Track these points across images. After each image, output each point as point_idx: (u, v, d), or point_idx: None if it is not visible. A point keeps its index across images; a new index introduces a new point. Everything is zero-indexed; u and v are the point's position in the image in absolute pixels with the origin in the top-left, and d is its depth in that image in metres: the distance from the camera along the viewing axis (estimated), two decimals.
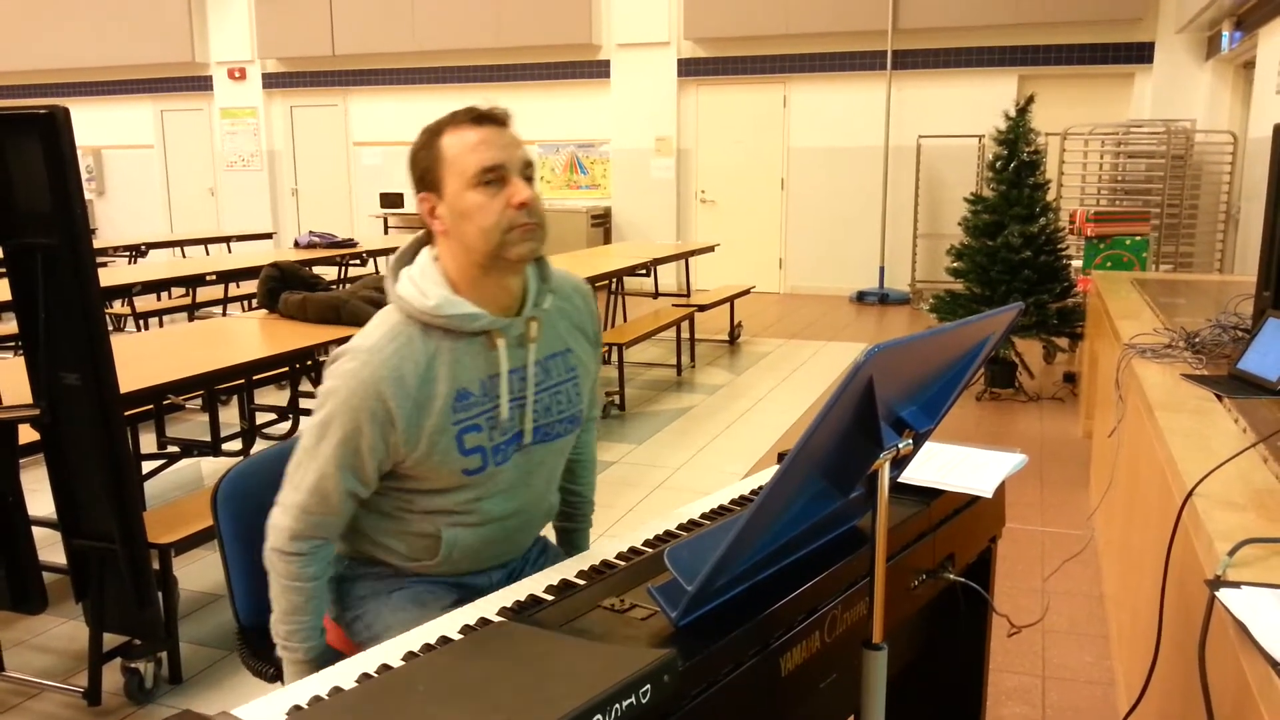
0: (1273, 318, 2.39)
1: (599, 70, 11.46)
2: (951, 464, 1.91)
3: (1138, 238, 6.20)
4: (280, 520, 1.67)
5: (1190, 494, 1.62)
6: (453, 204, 1.61)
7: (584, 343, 1.84)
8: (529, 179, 1.64)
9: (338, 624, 1.86)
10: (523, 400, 1.71)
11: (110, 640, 2.75)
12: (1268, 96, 7.02)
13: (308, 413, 5.35)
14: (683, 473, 4.81)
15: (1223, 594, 1.27)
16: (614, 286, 7.88)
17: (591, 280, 6.29)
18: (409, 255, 1.74)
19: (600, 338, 1.90)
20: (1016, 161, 6.22)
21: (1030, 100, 6.33)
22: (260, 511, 1.88)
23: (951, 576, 1.83)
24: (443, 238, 1.66)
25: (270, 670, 1.90)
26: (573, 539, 2.06)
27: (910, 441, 1.35)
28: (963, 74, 10.23)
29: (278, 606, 1.69)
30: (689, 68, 11.15)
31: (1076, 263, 6.50)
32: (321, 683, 1.24)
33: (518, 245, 1.61)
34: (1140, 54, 9.63)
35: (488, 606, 1.47)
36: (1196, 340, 2.84)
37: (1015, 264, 6.13)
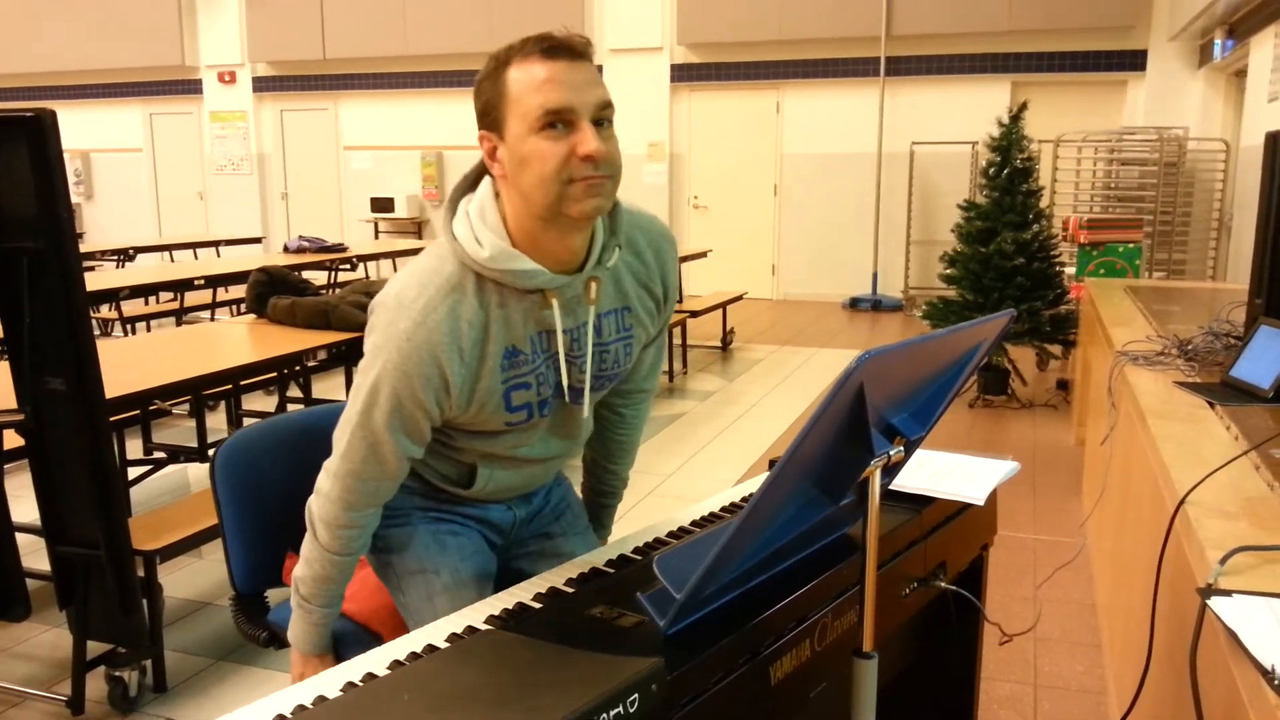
0: (1265, 325, 2.39)
1: None
2: (943, 471, 1.90)
3: (1130, 245, 6.22)
4: (330, 490, 1.60)
5: (1182, 502, 1.62)
6: (513, 148, 1.45)
7: (647, 301, 1.70)
8: (605, 122, 1.46)
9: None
10: (577, 358, 1.62)
11: (94, 648, 2.72)
12: (1259, 104, 7.05)
13: None
14: (674, 479, 4.80)
15: (1214, 602, 1.26)
16: None
17: None
18: (470, 182, 1.59)
19: (673, 298, 1.77)
20: (1010, 168, 6.23)
21: (1023, 107, 6.35)
22: (258, 479, 1.92)
23: (943, 584, 1.82)
24: (502, 182, 1.51)
25: (263, 635, 1.92)
26: (600, 516, 2.06)
27: (901, 449, 1.34)
28: (956, 81, 10.25)
29: (309, 569, 1.67)
30: (682, 73, 11.16)
31: (1069, 270, 6.51)
32: (306, 691, 1.23)
33: (580, 201, 1.45)
34: (1133, 62, 9.66)
35: (475, 614, 1.45)
36: (1189, 348, 2.84)
37: (1008, 271, 6.14)
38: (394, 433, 1.55)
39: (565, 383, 1.61)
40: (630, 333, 1.69)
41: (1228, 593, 1.29)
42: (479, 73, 1.50)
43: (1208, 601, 1.27)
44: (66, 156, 2.39)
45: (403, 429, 1.55)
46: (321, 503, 1.63)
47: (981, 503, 1.81)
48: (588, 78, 1.44)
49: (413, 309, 1.48)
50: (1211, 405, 2.26)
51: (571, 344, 1.60)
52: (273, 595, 2.01)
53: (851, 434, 1.23)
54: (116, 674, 2.75)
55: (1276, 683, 1.07)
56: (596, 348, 1.63)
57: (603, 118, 1.46)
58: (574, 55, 1.44)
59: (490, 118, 1.48)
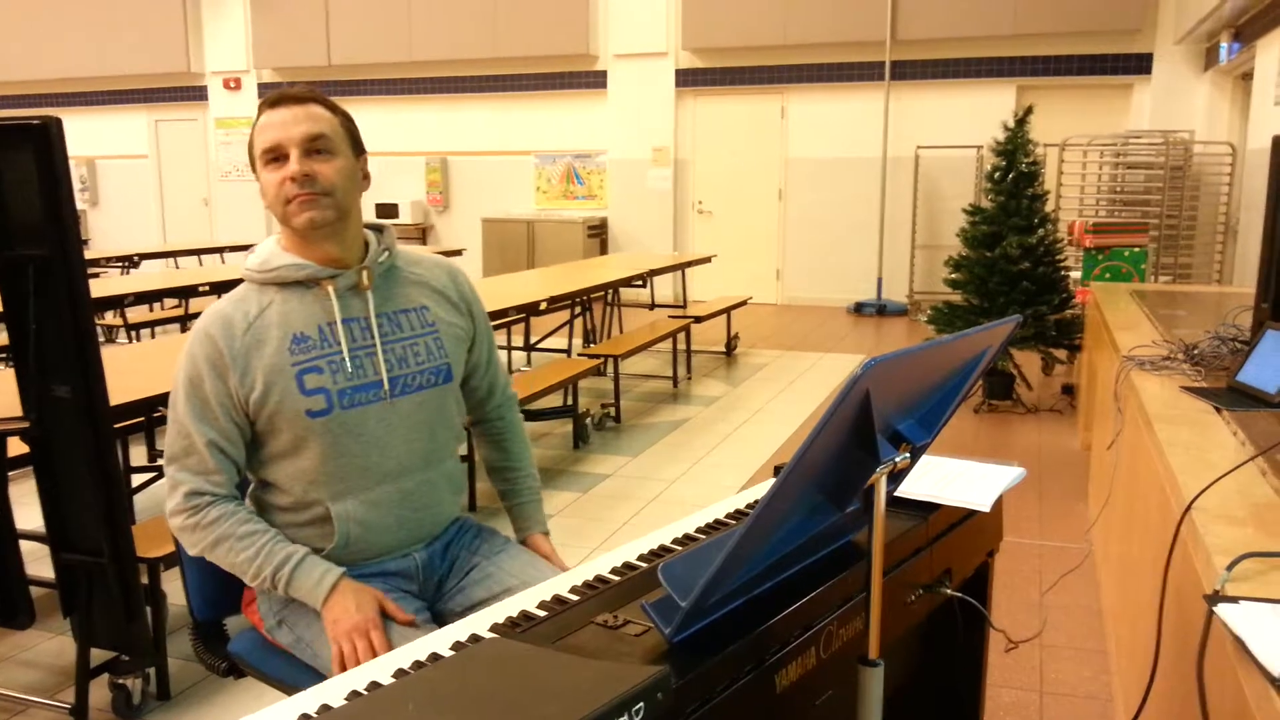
0: (1271, 330, 2.38)
1: (596, 80, 11.48)
2: (949, 477, 1.89)
3: (1136, 249, 6.20)
4: (168, 487, 1.76)
5: (1189, 507, 1.61)
6: (259, 181, 1.76)
7: (444, 304, 1.92)
8: (317, 152, 1.73)
9: (269, 635, 1.87)
10: (371, 348, 1.79)
11: (98, 655, 2.72)
12: (1266, 108, 7.04)
13: None
14: (678, 485, 4.79)
15: (1221, 609, 1.26)
16: (610, 298, 7.87)
17: (587, 292, 6.28)
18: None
19: (477, 310, 2.00)
20: (1015, 172, 6.22)
21: (1029, 111, 6.34)
22: None
23: (949, 591, 1.81)
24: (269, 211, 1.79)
25: (223, 665, 1.93)
26: (524, 513, 2.09)
27: (907, 455, 1.34)
28: (961, 85, 10.25)
29: (238, 571, 1.75)
30: (686, 78, 11.17)
31: (1075, 274, 6.49)
32: (310, 700, 1.22)
33: (298, 214, 1.72)
34: (1139, 65, 9.65)
35: (480, 622, 1.45)
36: (1195, 352, 2.83)
37: (1013, 275, 6.13)
38: (193, 419, 1.72)
39: (346, 358, 1.76)
40: (434, 328, 1.88)
41: (1235, 599, 1.28)
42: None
43: (1214, 608, 1.26)
44: (72, 163, 2.40)
45: (199, 414, 1.72)
46: (171, 515, 1.76)
47: (987, 509, 1.80)
48: (300, 117, 1.73)
49: (201, 315, 1.77)
50: (1218, 410, 2.25)
51: (361, 333, 1.79)
52: (231, 625, 2.00)
53: (857, 441, 1.22)
54: (120, 681, 2.75)
55: None
56: (400, 341, 1.82)
57: (314, 149, 1.73)
58: (291, 102, 1.74)
59: (252, 166, 1.78)
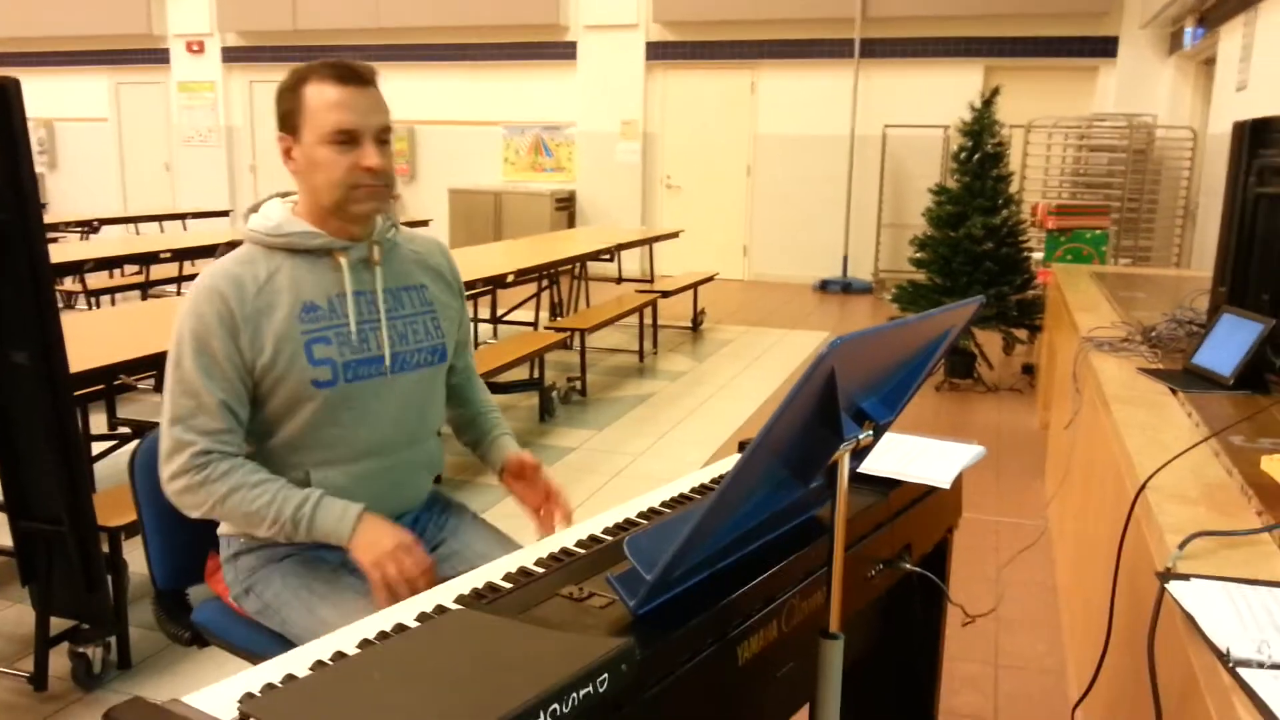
0: (1227, 313, 2.43)
1: (566, 52, 11.39)
2: (911, 455, 1.92)
3: (1098, 231, 6.28)
4: (164, 446, 1.70)
5: (1143, 487, 1.64)
6: (307, 152, 1.72)
7: (440, 283, 1.94)
8: (384, 143, 1.75)
9: (235, 603, 1.86)
10: (375, 323, 1.80)
11: (57, 624, 2.70)
12: (1228, 93, 7.13)
13: None
14: (644, 459, 4.81)
15: (1172, 586, 1.29)
16: (577, 271, 7.86)
17: (554, 265, 6.26)
18: (257, 205, 1.84)
19: (461, 289, 2.02)
20: (981, 153, 6.27)
21: (995, 92, 6.38)
22: None
23: (908, 566, 1.84)
24: (295, 177, 1.77)
25: (186, 635, 1.92)
26: (495, 446, 2.04)
27: (870, 433, 1.36)
28: (929, 64, 10.28)
29: (251, 521, 1.70)
30: (657, 51, 11.12)
31: (1037, 255, 6.56)
32: (274, 669, 1.23)
33: (362, 203, 1.74)
34: (1104, 48, 9.73)
35: (445, 593, 1.46)
36: (1153, 334, 2.88)
37: (977, 255, 6.19)
38: (205, 378, 1.68)
39: (353, 329, 1.76)
40: (431, 308, 1.90)
41: (1186, 577, 1.32)
42: (281, 82, 1.77)
43: (1166, 585, 1.30)
44: (30, 125, 2.35)
45: (209, 371, 1.68)
46: (163, 468, 1.70)
47: (947, 486, 1.83)
48: (373, 104, 1.74)
49: (202, 274, 1.73)
50: (1174, 392, 2.30)
51: (367, 308, 1.79)
52: (194, 593, 1.98)
53: (822, 418, 1.24)
54: (80, 650, 2.73)
55: (1231, 664, 1.10)
56: (402, 318, 1.83)
57: (383, 139, 1.75)
58: (362, 82, 1.74)
59: (288, 123, 1.75)
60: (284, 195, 1.85)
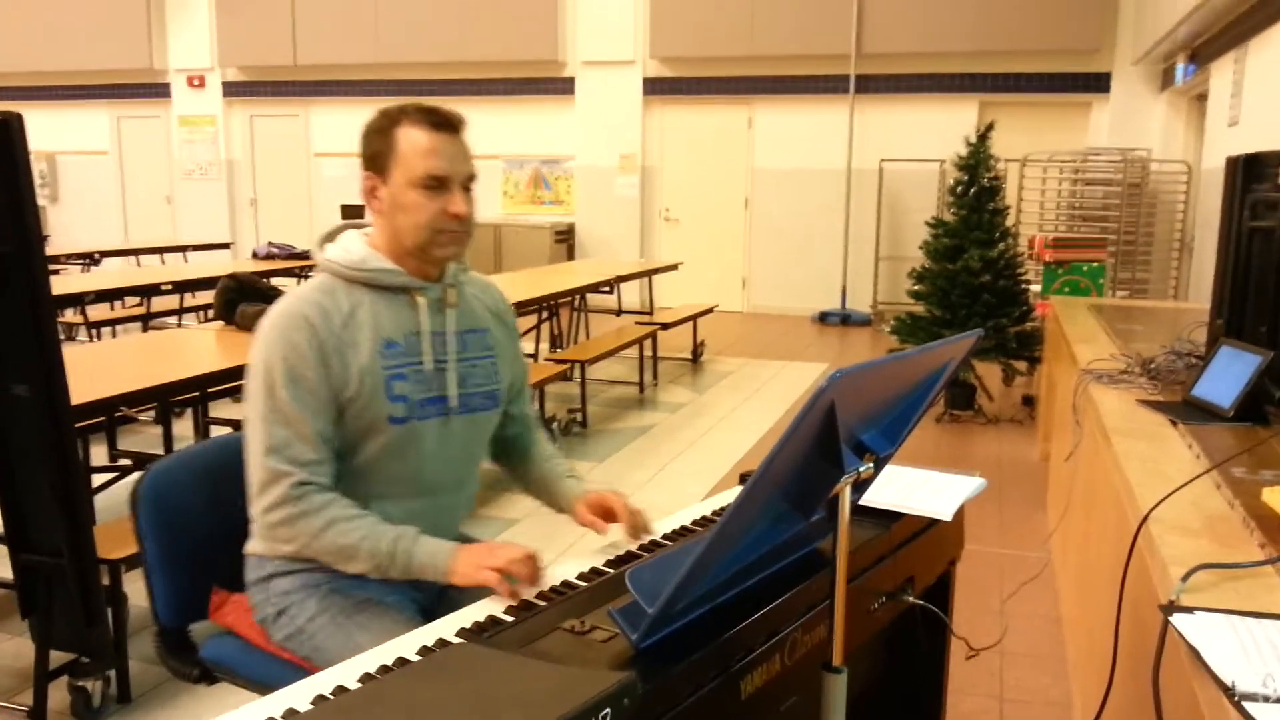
0: (1225, 345, 2.44)
1: (564, 87, 11.48)
2: (912, 487, 1.92)
3: (1095, 264, 6.31)
4: (259, 477, 1.69)
5: (1145, 519, 1.64)
6: (394, 193, 1.75)
7: (501, 328, 1.97)
8: (468, 190, 1.79)
9: (261, 625, 1.84)
10: (445, 363, 1.82)
11: (57, 658, 2.68)
12: (1220, 128, 7.18)
13: None
14: (644, 491, 4.80)
15: (1176, 619, 1.29)
16: (577, 303, 7.87)
17: (554, 297, 6.28)
18: (333, 235, 1.87)
19: (517, 333, 2.04)
20: (977, 187, 6.31)
21: (990, 127, 6.43)
22: (183, 510, 1.89)
23: (911, 599, 1.84)
24: (378, 215, 1.80)
25: (195, 672, 1.89)
26: (564, 489, 2.01)
27: (871, 465, 1.36)
28: (925, 99, 10.37)
29: (343, 554, 1.70)
30: (654, 86, 11.21)
31: (1035, 287, 6.59)
32: (275, 704, 1.22)
33: (444, 247, 1.77)
34: (1097, 84, 9.82)
35: (447, 627, 1.45)
36: (1152, 366, 2.89)
37: (975, 288, 6.21)
38: (298, 404, 1.68)
39: (428, 367, 1.78)
40: (492, 353, 1.92)
41: (1189, 609, 1.32)
42: (368, 123, 1.79)
43: (1170, 618, 1.30)
44: (32, 158, 2.36)
45: (304, 403, 1.68)
46: (272, 507, 1.69)
47: (949, 519, 1.83)
48: (462, 151, 1.77)
49: (283, 302, 1.74)
50: (1174, 424, 2.30)
51: (438, 347, 1.81)
52: (196, 630, 1.95)
53: (823, 451, 1.24)
54: (79, 684, 2.72)
55: (1236, 698, 1.10)
56: (467, 360, 1.85)
57: (468, 186, 1.78)
58: (453, 130, 1.76)
59: (377, 163, 1.76)
60: (358, 226, 1.87)
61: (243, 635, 1.88)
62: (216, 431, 5.26)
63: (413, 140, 1.72)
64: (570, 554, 3.89)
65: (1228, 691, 1.11)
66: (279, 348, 1.69)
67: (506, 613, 1.49)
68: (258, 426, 1.70)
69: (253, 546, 1.83)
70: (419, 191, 1.73)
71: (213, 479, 1.95)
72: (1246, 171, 2.60)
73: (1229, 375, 2.34)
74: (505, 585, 1.57)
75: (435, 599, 1.89)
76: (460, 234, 1.77)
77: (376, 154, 1.76)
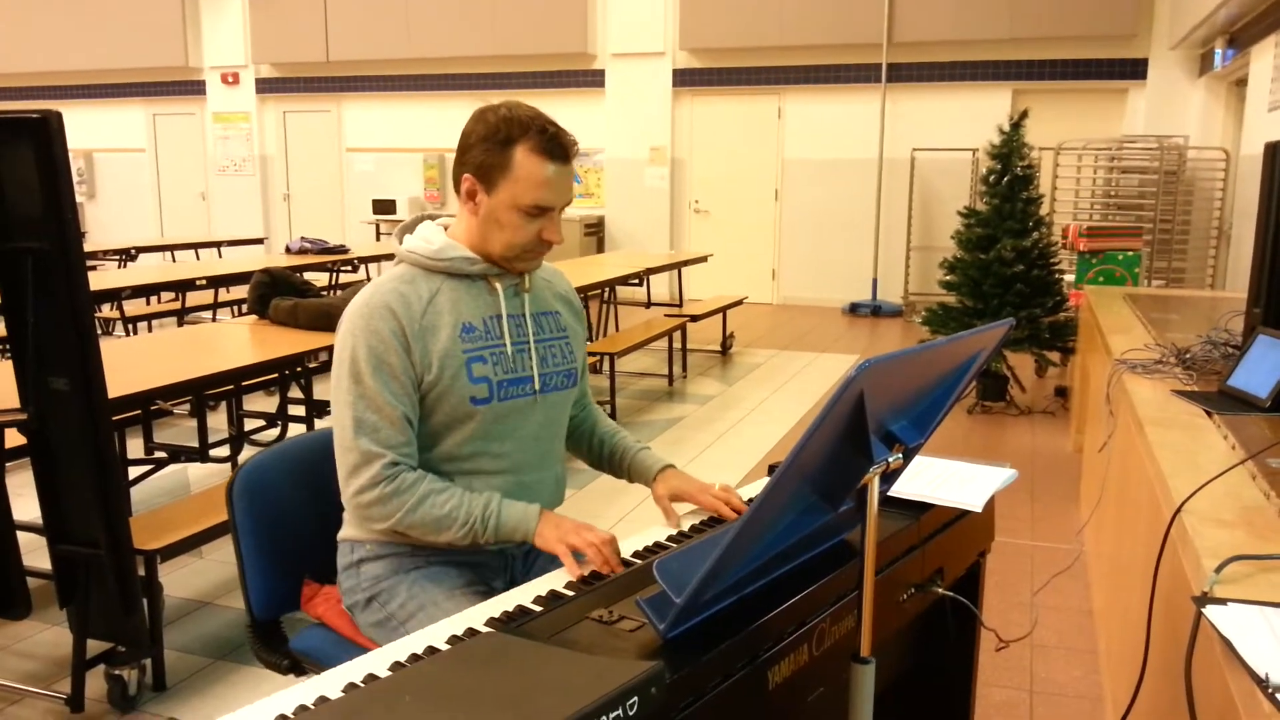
0: (1263, 335, 2.40)
1: (594, 79, 11.48)
2: (941, 478, 1.91)
3: (1130, 253, 6.23)
4: (350, 460, 1.74)
5: (1179, 510, 1.63)
6: (495, 207, 1.78)
7: (570, 311, 2.02)
8: (561, 212, 1.84)
9: (350, 612, 1.89)
10: (524, 345, 1.87)
11: (94, 647, 2.73)
12: (1259, 114, 7.06)
13: (297, 419, 5.30)
14: None
15: (1209, 611, 1.27)
16: (606, 296, 7.88)
17: (584, 289, 6.29)
18: (410, 227, 1.91)
19: (584, 317, 2.09)
20: (1010, 175, 6.24)
21: (1024, 114, 6.36)
22: (275, 505, 1.94)
23: (940, 590, 1.83)
24: (467, 212, 1.83)
25: (285, 663, 1.93)
26: (639, 460, 2.06)
27: (900, 456, 1.35)
28: (957, 87, 10.27)
29: (439, 525, 1.76)
30: (684, 78, 11.18)
31: (1069, 277, 6.52)
32: (307, 692, 1.24)
33: (527, 263, 1.85)
34: (1134, 70, 9.68)
35: (476, 616, 1.46)
36: (1187, 356, 2.85)
37: (1008, 278, 6.15)
38: (388, 392, 1.74)
39: (508, 350, 1.84)
40: (565, 333, 1.97)
41: (1223, 601, 1.30)
42: (479, 126, 1.77)
43: (1203, 610, 1.28)
44: (70, 156, 2.40)
45: (390, 388, 1.74)
46: (366, 487, 1.74)
47: (979, 510, 1.82)
48: (569, 181, 1.81)
49: (366, 292, 1.79)
50: (1209, 414, 2.27)
51: (517, 330, 1.87)
52: (287, 622, 2.00)
53: (851, 441, 1.24)
54: (116, 672, 2.76)
55: (1270, 691, 1.08)
56: (543, 341, 1.91)
57: (563, 210, 1.83)
58: (568, 159, 1.79)
59: (484, 174, 1.77)
60: (432, 218, 1.92)
61: (332, 626, 1.92)
62: (251, 424, 5.32)
63: (529, 168, 1.74)
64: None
65: (1261, 683, 1.10)
66: (364, 336, 1.74)
67: (535, 602, 1.50)
68: (345, 412, 1.75)
69: (345, 532, 1.89)
70: (520, 215, 1.77)
71: (306, 473, 2.00)
72: None
73: (1266, 365, 2.30)
74: (574, 563, 1.63)
75: (522, 581, 1.93)
76: (544, 251, 1.85)
77: (487, 166, 1.76)
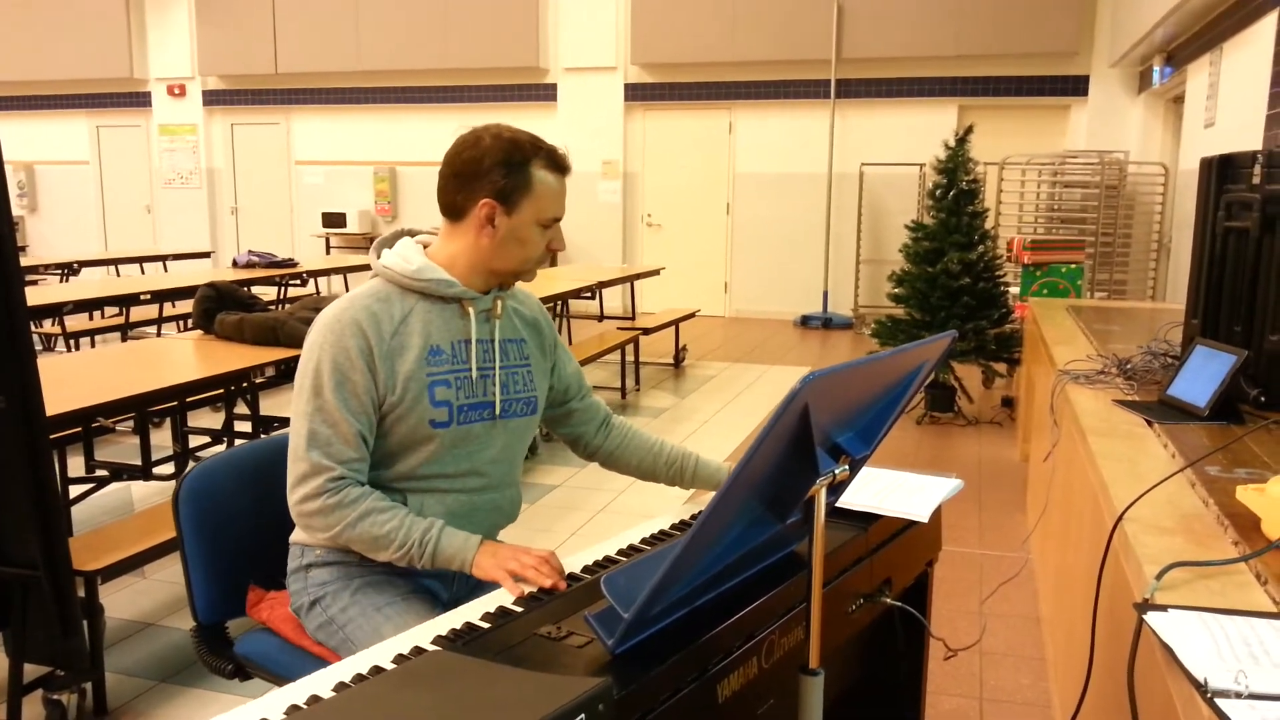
0: (1201, 345, 2.46)
1: (546, 93, 11.49)
2: (889, 489, 1.93)
3: (1073, 265, 6.35)
4: (299, 469, 1.76)
5: (1120, 518, 1.65)
6: (515, 227, 1.83)
7: (536, 339, 2.03)
8: None
9: (296, 614, 1.89)
10: (489, 370, 1.90)
11: (31, 671, 2.66)
12: (1196, 130, 7.24)
13: (243, 435, 5.23)
14: (626, 496, 4.80)
15: (1150, 617, 1.29)
16: (559, 309, 7.87)
17: None
18: (390, 241, 1.93)
19: (555, 342, 2.10)
20: (956, 190, 6.34)
21: (969, 130, 6.46)
22: (222, 510, 1.96)
23: (889, 601, 1.84)
24: (477, 235, 1.84)
25: (229, 667, 1.93)
26: (703, 465, 2.10)
27: (846, 467, 1.36)
28: (904, 103, 10.42)
29: (378, 544, 1.76)
30: (636, 92, 11.22)
31: (1014, 289, 6.62)
32: (248, 715, 1.21)
33: (530, 275, 1.92)
34: (1076, 87, 9.88)
35: (422, 635, 1.45)
36: (1128, 367, 2.91)
37: (954, 290, 6.24)
38: (345, 409, 1.76)
39: (474, 375, 1.86)
40: (528, 361, 1.99)
41: (1163, 607, 1.32)
42: (487, 153, 1.80)
43: (1144, 616, 1.30)
44: (10, 168, 2.35)
45: (349, 405, 1.76)
46: (308, 498, 1.75)
47: (926, 520, 1.84)
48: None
49: (337, 305, 1.81)
50: (1150, 423, 2.31)
51: (483, 355, 1.89)
52: (233, 626, 2.00)
53: (797, 454, 1.25)
54: (55, 697, 2.69)
55: (1209, 695, 1.10)
56: (506, 368, 1.93)
57: None
58: (569, 171, 1.89)
59: (506, 195, 1.81)
60: (412, 233, 1.94)
61: (278, 631, 1.93)
62: (196, 441, 5.23)
63: (547, 183, 1.83)
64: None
65: (1200, 688, 1.11)
66: (331, 350, 1.76)
67: (483, 619, 1.49)
68: (302, 424, 1.77)
69: (296, 535, 1.90)
70: (538, 230, 1.84)
71: (253, 479, 2.02)
72: (1221, 172, 2.61)
73: (1204, 375, 2.35)
74: (516, 586, 1.63)
75: (465, 594, 1.94)
76: (547, 260, 1.91)
77: (509, 188, 1.80)
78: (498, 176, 1.80)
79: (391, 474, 1.85)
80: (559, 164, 1.86)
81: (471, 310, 1.88)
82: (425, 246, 1.90)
